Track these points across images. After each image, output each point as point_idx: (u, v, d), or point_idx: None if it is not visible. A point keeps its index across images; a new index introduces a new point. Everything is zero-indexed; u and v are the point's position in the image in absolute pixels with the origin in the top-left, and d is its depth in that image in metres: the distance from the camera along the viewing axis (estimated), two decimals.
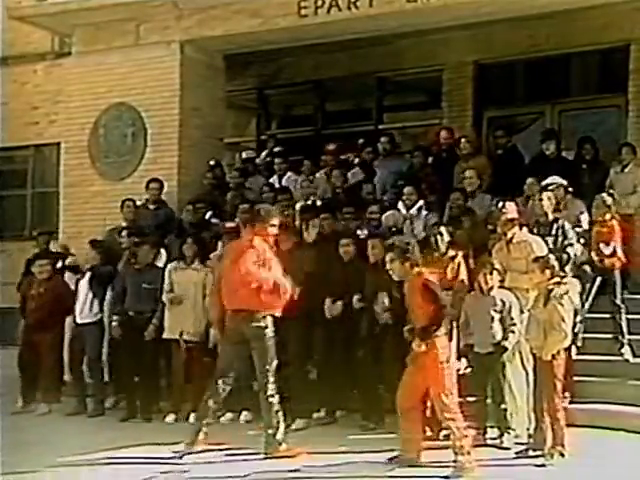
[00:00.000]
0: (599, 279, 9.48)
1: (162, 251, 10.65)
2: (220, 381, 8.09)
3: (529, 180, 10.26)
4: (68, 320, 10.83)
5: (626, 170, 10.79)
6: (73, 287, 10.88)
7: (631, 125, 12.41)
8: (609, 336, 9.48)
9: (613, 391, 8.92)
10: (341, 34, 12.49)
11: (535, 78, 13.47)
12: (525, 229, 8.90)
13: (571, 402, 8.51)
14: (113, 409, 10.48)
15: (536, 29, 12.67)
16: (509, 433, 8.11)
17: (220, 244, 10.29)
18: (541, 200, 9.29)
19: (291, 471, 7.46)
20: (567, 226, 9.21)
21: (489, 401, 8.23)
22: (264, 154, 13.69)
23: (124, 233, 11.15)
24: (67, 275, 11.32)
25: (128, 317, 10.24)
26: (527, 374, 8.19)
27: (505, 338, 8.14)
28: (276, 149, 13.48)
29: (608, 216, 9.58)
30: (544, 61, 13.15)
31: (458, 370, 8.15)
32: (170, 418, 9.75)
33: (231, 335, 8.18)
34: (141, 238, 10.79)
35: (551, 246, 8.83)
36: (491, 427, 8.22)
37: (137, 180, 12.57)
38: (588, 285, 9.36)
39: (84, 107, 13.17)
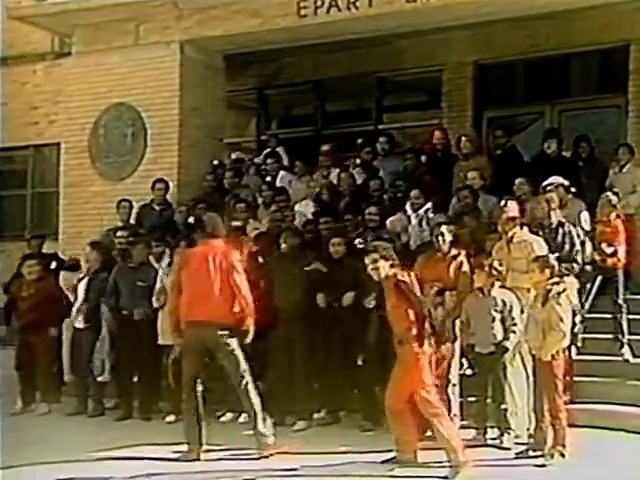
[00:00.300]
0: (599, 278, 9.49)
1: (167, 251, 10.62)
2: (187, 388, 8.07)
3: (518, 180, 10.24)
4: (67, 321, 10.83)
5: (624, 170, 10.80)
6: (73, 286, 10.87)
7: (631, 125, 12.42)
8: (609, 336, 9.48)
9: (613, 391, 8.93)
10: (341, 34, 12.50)
11: (535, 78, 13.47)
12: (526, 229, 8.90)
13: (571, 402, 8.51)
14: (114, 409, 10.47)
15: (536, 29, 12.67)
16: (509, 433, 8.11)
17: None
18: (547, 202, 9.26)
19: (291, 470, 7.47)
20: (574, 232, 9.17)
21: (489, 401, 8.23)
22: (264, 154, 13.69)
23: (119, 233, 11.15)
24: (64, 274, 11.31)
25: (122, 315, 10.26)
26: (527, 374, 8.19)
27: (506, 338, 8.13)
28: (268, 149, 13.50)
29: (613, 215, 9.59)
30: (544, 61, 13.15)
31: (460, 370, 8.22)
32: (170, 418, 9.74)
33: (194, 343, 8.10)
34: (136, 237, 10.82)
35: (557, 252, 8.75)
36: (491, 427, 8.23)
37: (137, 180, 12.58)
38: (589, 285, 9.37)
39: (84, 107, 13.18)
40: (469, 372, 8.55)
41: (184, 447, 8.08)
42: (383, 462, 7.55)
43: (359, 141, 12.82)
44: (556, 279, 7.74)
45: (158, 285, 10.09)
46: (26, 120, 15.60)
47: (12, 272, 11.89)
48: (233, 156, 13.86)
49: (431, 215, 10.34)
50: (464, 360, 8.54)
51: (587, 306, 9.32)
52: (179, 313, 8.14)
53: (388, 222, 10.47)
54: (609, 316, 9.50)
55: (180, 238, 10.36)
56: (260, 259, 9.96)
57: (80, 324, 10.55)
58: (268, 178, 12.38)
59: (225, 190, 12.12)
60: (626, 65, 12.51)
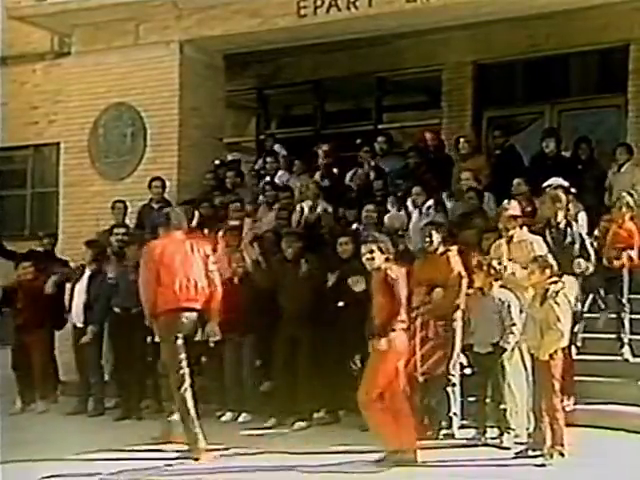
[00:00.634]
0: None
1: None
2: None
3: (516, 180, 10.25)
4: (69, 322, 10.84)
5: (622, 170, 10.79)
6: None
7: (630, 125, 12.42)
8: (609, 336, 9.48)
9: (613, 391, 8.93)
10: (340, 34, 12.48)
11: (535, 78, 13.48)
12: (525, 228, 8.90)
13: (574, 403, 8.53)
14: (114, 409, 10.47)
15: (536, 29, 12.67)
16: (509, 433, 8.11)
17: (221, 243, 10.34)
18: (553, 200, 9.24)
19: (290, 471, 7.47)
20: (584, 233, 9.14)
21: (488, 401, 8.23)
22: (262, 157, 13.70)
23: (116, 231, 11.16)
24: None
25: (116, 314, 10.29)
26: (527, 374, 8.19)
27: (505, 338, 8.14)
28: (267, 147, 13.50)
29: (628, 217, 9.58)
30: (544, 61, 13.15)
31: (462, 370, 8.23)
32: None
33: (172, 331, 8.16)
34: (131, 237, 10.83)
35: (565, 252, 8.75)
36: (491, 427, 8.23)
37: (137, 180, 12.56)
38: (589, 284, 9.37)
39: (83, 107, 13.15)
40: (468, 372, 8.56)
41: (184, 447, 8.08)
42: (375, 461, 7.57)
43: (358, 141, 12.83)
44: (554, 278, 7.74)
45: None
46: (26, 120, 15.60)
47: (12, 272, 11.87)
48: (230, 157, 13.87)
49: (432, 212, 10.36)
50: (464, 360, 8.55)
51: (587, 306, 9.34)
52: (158, 301, 8.16)
53: (386, 218, 10.49)
54: (612, 316, 9.51)
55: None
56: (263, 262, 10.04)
57: (80, 323, 10.54)
58: (267, 178, 12.39)
59: (225, 190, 12.13)
60: (625, 65, 12.52)
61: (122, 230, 11.14)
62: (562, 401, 7.84)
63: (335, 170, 12.35)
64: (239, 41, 12.63)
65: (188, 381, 8.09)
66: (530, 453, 7.71)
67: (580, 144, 11.37)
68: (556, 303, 7.57)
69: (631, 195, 9.79)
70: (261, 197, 11.80)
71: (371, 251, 7.63)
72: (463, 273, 8.62)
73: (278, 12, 11.98)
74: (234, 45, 12.80)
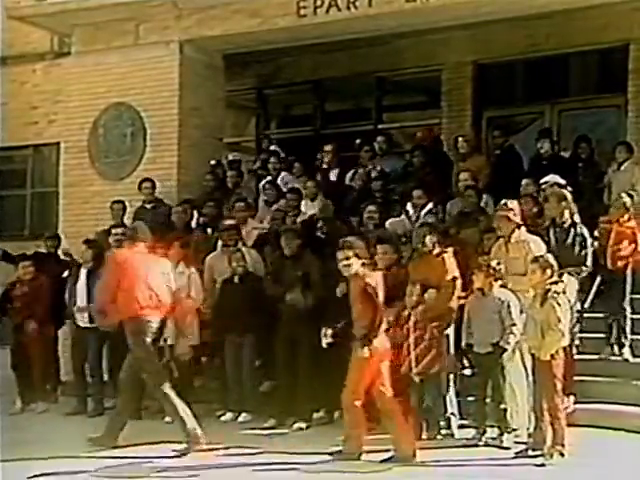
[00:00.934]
0: (599, 278, 9.49)
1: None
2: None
3: (525, 181, 10.25)
4: (68, 322, 10.83)
5: (622, 168, 10.78)
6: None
7: (630, 125, 12.43)
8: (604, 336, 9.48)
9: (613, 391, 8.92)
10: (340, 34, 12.49)
11: (534, 78, 13.48)
12: (524, 228, 8.89)
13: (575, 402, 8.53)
14: (113, 409, 10.46)
15: (535, 29, 12.68)
16: (509, 433, 8.11)
17: (219, 243, 10.32)
18: (560, 201, 9.20)
19: (289, 470, 7.47)
20: (586, 233, 9.09)
21: (488, 400, 8.23)
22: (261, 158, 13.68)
23: (114, 230, 11.14)
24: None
25: None
26: (527, 374, 8.19)
27: (505, 338, 8.13)
28: (272, 147, 13.48)
29: (626, 217, 9.57)
30: (543, 61, 13.16)
31: (462, 370, 8.21)
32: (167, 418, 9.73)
33: (140, 333, 8.42)
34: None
35: (567, 253, 8.75)
36: (491, 427, 8.22)
37: (136, 180, 12.53)
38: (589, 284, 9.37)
39: (83, 107, 13.16)
40: (468, 372, 8.55)
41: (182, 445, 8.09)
42: (382, 461, 7.56)
43: (357, 141, 12.83)
44: (555, 279, 7.74)
45: None
46: (25, 120, 15.59)
47: (12, 272, 11.87)
48: (230, 157, 13.87)
49: (431, 216, 10.35)
50: (465, 361, 8.54)
51: (587, 305, 9.33)
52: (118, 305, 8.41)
53: (388, 224, 10.46)
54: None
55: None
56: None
57: (84, 323, 10.53)
58: (269, 178, 12.38)
59: (225, 189, 12.12)
60: (625, 65, 12.52)
61: (120, 230, 11.11)
62: (563, 401, 7.85)
63: (335, 171, 12.32)
64: (239, 41, 12.63)
65: (168, 377, 8.44)
66: (530, 453, 7.71)
67: (580, 143, 11.38)
68: (557, 304, 7.57)
69: (630, 196, 9.77)
70: (261, 197, 11.80)
71: (347, 257, 7.62)
72: (457, 275, 8.63)
73: (278, 12, 11.98)
74: (234, 45, 12.81)
